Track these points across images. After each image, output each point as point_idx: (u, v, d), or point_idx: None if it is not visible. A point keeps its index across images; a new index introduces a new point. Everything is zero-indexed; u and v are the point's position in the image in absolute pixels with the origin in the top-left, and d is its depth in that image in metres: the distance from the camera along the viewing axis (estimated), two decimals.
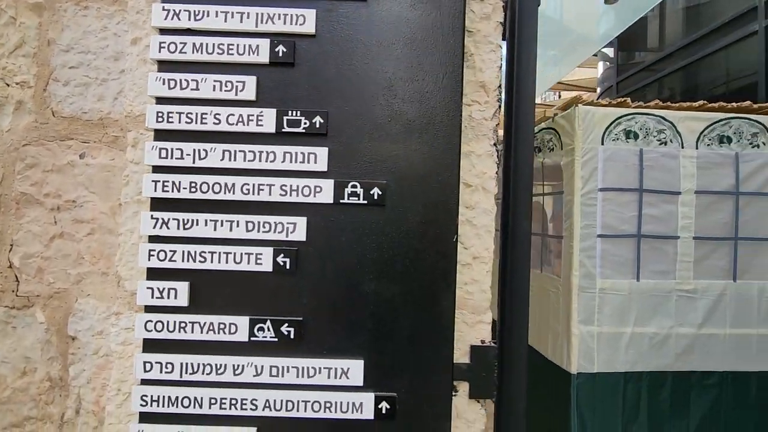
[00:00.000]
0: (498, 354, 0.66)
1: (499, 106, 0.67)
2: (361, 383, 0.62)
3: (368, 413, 0.61)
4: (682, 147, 2.47)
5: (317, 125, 0.62)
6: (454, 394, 0.65)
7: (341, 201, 0.63)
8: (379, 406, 0.61)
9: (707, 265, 2.49)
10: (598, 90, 7.85)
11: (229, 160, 0.62)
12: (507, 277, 0.66)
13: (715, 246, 2.50)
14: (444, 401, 0.61)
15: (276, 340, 0.61)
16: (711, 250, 2.50)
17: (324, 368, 0.61)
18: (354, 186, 0.62)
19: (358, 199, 0.62)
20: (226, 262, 0.61)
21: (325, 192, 0.63)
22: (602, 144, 2.42)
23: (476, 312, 0.66)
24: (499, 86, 0.67)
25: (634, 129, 2.44)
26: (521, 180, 0.66)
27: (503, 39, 0.69)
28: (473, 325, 0.66)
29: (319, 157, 0.63)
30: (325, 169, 0.64)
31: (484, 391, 0.64)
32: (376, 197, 0.62)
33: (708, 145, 2.49)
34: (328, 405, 0.61)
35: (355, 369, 0.61)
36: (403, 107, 0.64)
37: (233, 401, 0.60)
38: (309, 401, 0.62)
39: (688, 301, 2.46)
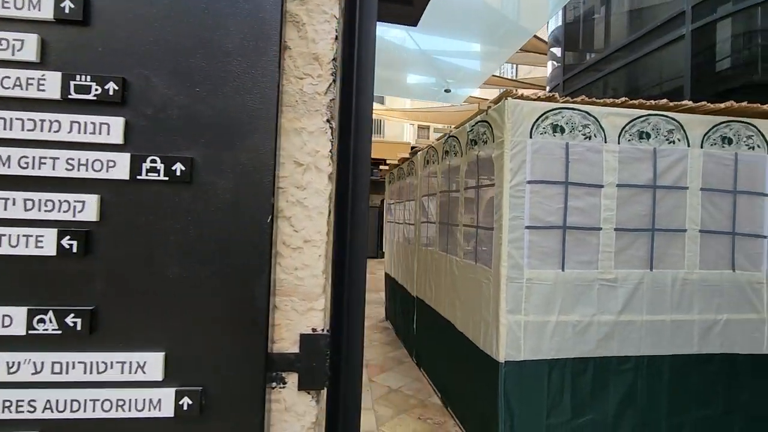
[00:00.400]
0: (330, 343, 0.62)
1: (334, 80, 0.63)
2: (160, 378, 0.56)
3: (168, 410, 0.56)
4: (605, 142, 2.56)
5: (111, 92, 0.55)
6: (282, 386, 0.61)
7: (139, 177, 0.57)
8: (181, 402, 0.56)
9: (627, 255, 2.61)
10: (547, 88, 8.11)
11: (4, 129, 0.54)
12: (343, 261, 0.62)
13: (634, 237, 2.62)
14: (257, 394, 0.56)
15: (60, 332, 0.54)
16: (630, 241, 2.61)
17: (117, 363, 0.55)
18: (153, 161, 0.56)
19: (159, 176, 0.56)
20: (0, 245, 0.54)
21: (119, 167, 0.56)
22: (531, 137, 2.47)
23: (308, 299, 0.62)
24: (334, 59, 0.63)
25: (560, 123, 2.51)
26: (360, 159, 0.63)
27: (341, 8, 0.65)
28: (304, 312, 0.62)
29: (113, 128, 0.56)
30: (121, 142, 0.57)
31: (314, 381, 0.60)
32: (179, 173, 0.56)
33: (629, 140, 2.59)
34: (120, 403, 0.55)
35: (153, 362, 0.55)
36: (213, 75, 0.59)
37: (7, 403, 0.52)
38: (98, 400, 0.55)
39: (609, 290, 2.57)
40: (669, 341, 2.63)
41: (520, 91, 2.48)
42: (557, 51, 6.87)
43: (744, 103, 2.62)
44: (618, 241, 2.59)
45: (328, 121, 0.62)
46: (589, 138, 2.54)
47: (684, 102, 2.62)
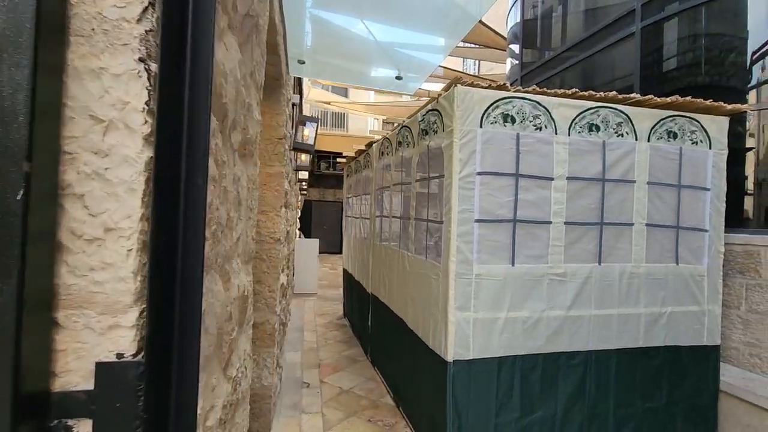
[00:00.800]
0: (145, 373, 0.45)
1: (153, 3, 0.45)
2: None
3: None
4: (556, 133, 2.50)
5: None
6: None
7: None
8: None
9: (576, 249, 2.57)
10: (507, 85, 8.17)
11: None
12: (170, 258, 0.45)
13: (583, 231, 2.58)
14: None
15: None
16: (580, 235, 2.58)
17: None
18: None
19: None
20: None
21: None
22: (481, 127, 2.36)
23: (110, 312, 0.44)
24: None
25: (511, 113, 2.42)
26: (197, 116, 0.45)
27: None
28: (104, 332, 0.44)
29: None
30: None
31: (119, 429, 0.43)
32: None
33: (579, 132, 2.55)
34: None
35: None
36: None
37: None
38: None
39: (558, 285, 2.52)
40: (617, 335, 2.62)
41: (462, 76, 2.37)
42: (516, 48, 6.90)
43: (688, 98, 2.64)
44: (568, 235, 2.54)
45: (142, 60, 0.45)
46: (540, 129, 2.47)
47: (632, 95, 2.61)
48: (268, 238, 2.73)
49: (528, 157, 2.46)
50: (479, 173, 2.37)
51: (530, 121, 2.45)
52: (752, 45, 3.47)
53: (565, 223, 2.53)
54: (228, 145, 0.96)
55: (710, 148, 2.79)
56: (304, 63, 2.88)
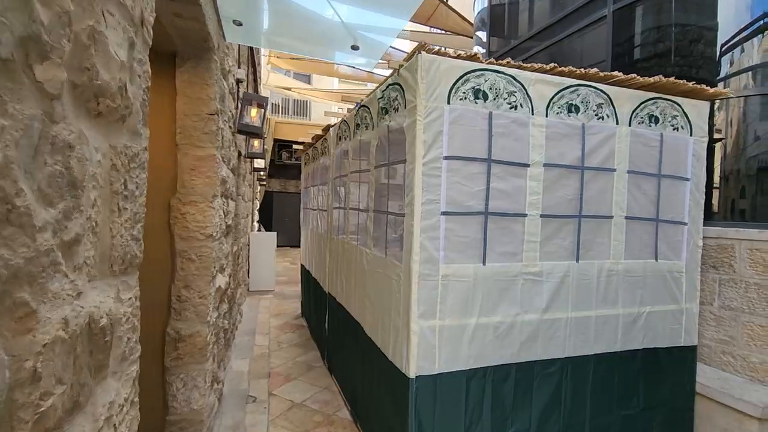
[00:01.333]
0: None
1: None
2: None
3: None
4: (533, 114, 2.20)
5: None
6: None
7: None
8: None
9: (553, 245, 2.30)
10: (478, 55, 7.92)
11: None
12: None
13: (560, 224, 2.31)
14: None
15: None
16: (556, 229, 2.31)
17: None
18: None
19: None
20: None
21: None
22: (448, 103, 2.02)
23: None
24: None
25: (483, 88, 2.09)
26: None
27: None
28: None
29: None
30: None
31: None
32: None
33: (557, 113, 2.26)
34: None
35: None
36: None
37: None
38: None
39: (533, 285, 2.24)
40: (594, 339, 2.39)
41: (426, 42, 2.01)
42: (482, 35, 6.63)
43: (671, 79, 2.41)
44: (543, 230, 2.26)
45: None
46: (515, 108, 2.16)
47: (614, 73, 2.35)
48: (198, 233, 2.28)
49: (501, 141, 2.15)
50: (446, 158, 2.03)
51: (504, 99, 2.13)
52: (722, 37, 3.33)
53: (541, 215, 2.25)
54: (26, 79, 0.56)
55: (691, 135, 2.59)
56: (241, 25, 2.42)
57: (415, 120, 1.98)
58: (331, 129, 3.95)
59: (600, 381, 2.40)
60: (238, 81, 3.62)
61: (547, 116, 2.24)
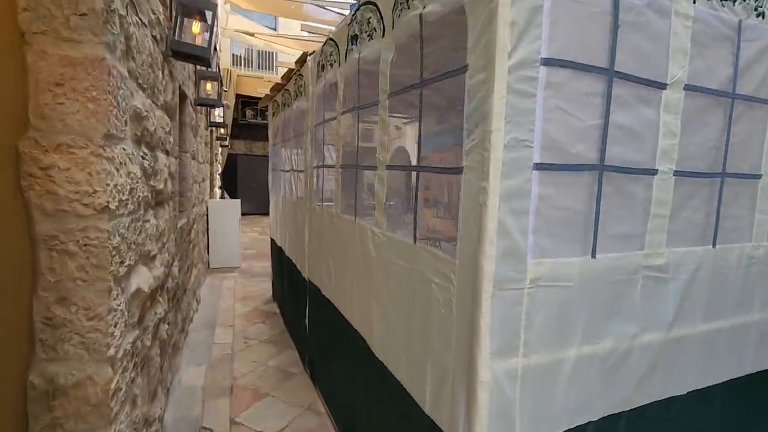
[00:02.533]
0: None
1: None
2: None
3: None
4: None
5: None
6: None
7: None
8: None
9: (681, 221, 1.43)
10: None
11: None
12: None
13: (695, 187, 1.44)
14: None
15: None
16: (688, 195, 1.44)
17: None
18: None
19: None
20: None
21: None
22: None
23: None
24: None
25: None
26: None
27: None
28: None
29: None
30: None
31: None
32: None
33: None
34: None
35: None
36: None
37: None
38: None
39: (655, 286, 1.38)
40: (722, 361, 1.59)
41: None
42: None
43: None
44: (675, 196, 1.38)
45: None
46: None
47: None
48: (78, 204, 1.26)
49: (630, 38, 1.20)
50: (546, 61, 1.07)
51: None
52: None
53: (675, 173, 1.36)
54: None
55: None
56: None
57: None
58: (309, 58, 2.86)
59: (726, 420, 1.63)
60: None
61: (694, 2, 1.30)
